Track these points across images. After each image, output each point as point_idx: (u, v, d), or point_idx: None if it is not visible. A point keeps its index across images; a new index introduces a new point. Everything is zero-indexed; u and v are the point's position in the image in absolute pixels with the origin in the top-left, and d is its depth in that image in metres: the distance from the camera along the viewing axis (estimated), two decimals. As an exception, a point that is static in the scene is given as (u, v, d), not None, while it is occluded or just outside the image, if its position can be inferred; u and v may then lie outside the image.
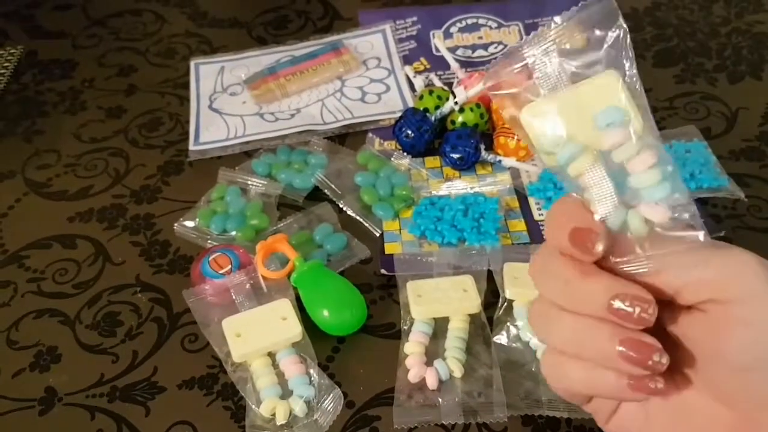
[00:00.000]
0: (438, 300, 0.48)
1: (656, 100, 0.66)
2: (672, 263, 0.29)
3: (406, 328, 0.48)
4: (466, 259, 0.51)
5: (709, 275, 0.29)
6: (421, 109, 0.63)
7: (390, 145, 0.64)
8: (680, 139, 0.60)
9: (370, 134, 0.65)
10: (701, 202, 0.56)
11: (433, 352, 0.47)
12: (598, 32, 0.30)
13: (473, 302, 0.48)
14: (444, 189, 0.59)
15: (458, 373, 0.45)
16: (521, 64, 0.31)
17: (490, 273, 0.50)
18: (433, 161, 0.62)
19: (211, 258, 0.50)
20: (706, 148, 0.59)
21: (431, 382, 0.45)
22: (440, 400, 0.44)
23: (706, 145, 0.60)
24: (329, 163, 0.61)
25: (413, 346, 0.47)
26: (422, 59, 0.74)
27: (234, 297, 0.49)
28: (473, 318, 0.48)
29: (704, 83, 0.68)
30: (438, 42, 0.74)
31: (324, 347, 0.48)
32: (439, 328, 0.48)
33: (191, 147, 0.65)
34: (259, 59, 0.75)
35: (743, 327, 0.28)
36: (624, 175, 0.30)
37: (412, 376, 0.45)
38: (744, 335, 0.28)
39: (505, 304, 0.49)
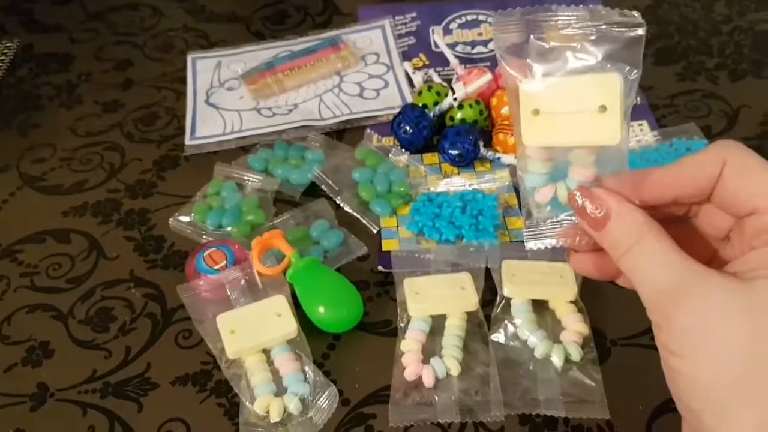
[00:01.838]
0: (435, 297, 0.48)
1: (657, 98, 0.66)
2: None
3: (402, 325, 0.48)
4: (464, 257, 0.50)
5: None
6: (420, 105, 0.62)
7: (388, 141, 0.63)
8: (681, 137, 0.60)
9: (368, 130, 0.65)
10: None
11: (429, 349, 0.47)
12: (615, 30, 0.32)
13: (471, 300, 0.48)
14: (442, 186, 0.58)
15: (455, 371, 0.45)
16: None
17: (488, 270, 0.50)
18: (431, 158, 0.61)
19: (206, 253, 0.50)
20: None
21: (428, 380, 0.44)
22: (437, 398, 0.44)
23: (706, 143, 0.59)
24: (326, 159, 0.60)
25: (410, 344, 0.46)
26: (421, 55, 0.73)
27: (229, 293, 0.49)
28: (471, 316, 0.48)
29: (705, 81, 0.68)
30: (437, 38, 0.73)
31: (319, 344, 0.48)
32: (437, 325, 0.48)
33: (187, 141, 0.65)
34: (257, 54, 0.74)
35: None
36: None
37: (409, 374, 0.45)
38: None
39: (503, 301, 0.48)
